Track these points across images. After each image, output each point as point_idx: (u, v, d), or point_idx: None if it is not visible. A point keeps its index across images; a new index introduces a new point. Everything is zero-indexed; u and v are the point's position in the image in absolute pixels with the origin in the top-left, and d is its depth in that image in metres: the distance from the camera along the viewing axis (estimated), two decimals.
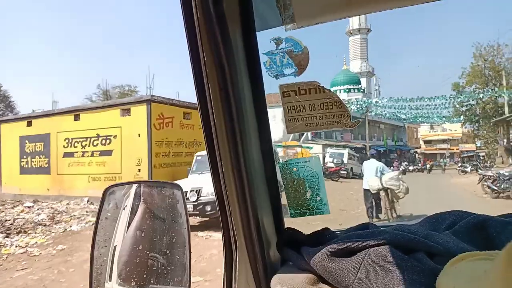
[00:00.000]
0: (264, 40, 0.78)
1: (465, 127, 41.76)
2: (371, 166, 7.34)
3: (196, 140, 14.50)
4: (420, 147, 47.41)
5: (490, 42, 30.93)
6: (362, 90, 43.71)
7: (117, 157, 13.27)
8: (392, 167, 28.36)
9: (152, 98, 12.94)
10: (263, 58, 0.77)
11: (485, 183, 10.78)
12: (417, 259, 0.58)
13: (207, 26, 0.58)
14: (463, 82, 32.19)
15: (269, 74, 0.80)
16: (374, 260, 0.58)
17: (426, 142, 48.25)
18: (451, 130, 44.69)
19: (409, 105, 33.87)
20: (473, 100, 30.84)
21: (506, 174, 10.27)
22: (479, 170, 21.94)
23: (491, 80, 30.00)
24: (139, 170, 12.68)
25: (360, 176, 22.83)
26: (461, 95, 31.01)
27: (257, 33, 0.74)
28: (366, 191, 7.33)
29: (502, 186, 10.03)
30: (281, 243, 0.74)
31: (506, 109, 25.11)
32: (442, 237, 0.62)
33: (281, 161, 0.77)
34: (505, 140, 23.46)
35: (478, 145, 39.46)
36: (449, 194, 12.30)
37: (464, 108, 32.47)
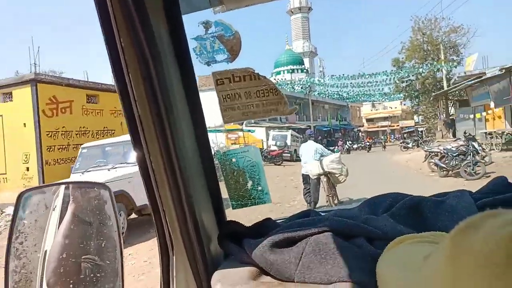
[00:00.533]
0: (192, 23, 0.84)
1: (404, 104, 51.46)
2: (309, 148, 7.43)
3: (107, 128, 13.70)
4: (363, 126, 56.04)
5: (428, 15, 34.71)
6: (305, 70, 46.65)
7: None
8: (336, 147, 31.23)
9: (37, 78, 11.79)
10: (192, 44, 0.83)
11: (432, 160, 11.43)
12: (357, 244, 0.68)
13: (123, 8, 0.61)
14: (402, 58, 35.88)
15: (200, 61, 0.87)
16: (315, 248, 0.66)
17: (368, 120, 57.56)
18: (391, 108, 54.46)
19: (351, 83, 37.48)
20: (413, 75, 34.85)
21: (454, 149, 10.55)
22: (422, 145, 25.13)
23: (430, 54, 33.62)
24: (28, 169, 11.65)
25: None
26: (401, 70, 34.66)
27: (183, 16, 0.78)
28: (305, 177, 7.49)
29: (451, 163, 10.46)
30: (222, 237, 0.82)
31: (445, 83, 28.57)
32: (380, 220, 0.73)
33: (220, 152, 0.86)
34: (444, 114, 26.79)
35: (417, 120, 48.32)
36: (393, 173, 13.07)
37: (404, 84, 36.53)
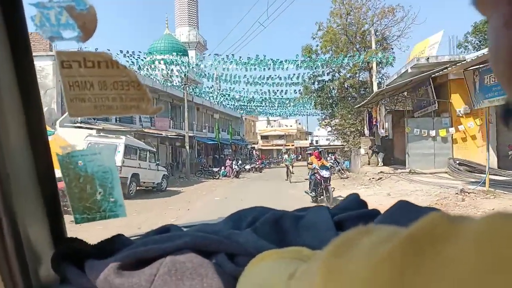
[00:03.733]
0: None
1: (299, 123, 68.60)
2: None
3: None
4: (257, 143, 68.05)
5: None
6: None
7: None
8: (223, 167, 31.70)
9: None
10: (30, 11, 0.91)
11: None
12: (217, 262, 0.86)
13: None
14: (317, 45, 34.91)
15: (41, 34, 0.98)
16: (170, 268, 0.81)
17: (263, 137, 71.61)
18: (287, 126, 70.12)
19: (245, 76, 36.15)
20: (328, 73, 34.51)
21: None
22: (340, 173, 25.23)
23: (355, 43, 33.73)
24: None
25: (159, 189, 20.70)
26: (313, 65, 33.19)
27: None
28: None
29: None
30: (58, 258, 0.95)
31: (375, 86, 27.72)
32: (243, 235, 0.92)
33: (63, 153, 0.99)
34: (382, 129, 23.83)
35: (310, 140, 63.37)
36: None
37: (316, 86, 36.17)
